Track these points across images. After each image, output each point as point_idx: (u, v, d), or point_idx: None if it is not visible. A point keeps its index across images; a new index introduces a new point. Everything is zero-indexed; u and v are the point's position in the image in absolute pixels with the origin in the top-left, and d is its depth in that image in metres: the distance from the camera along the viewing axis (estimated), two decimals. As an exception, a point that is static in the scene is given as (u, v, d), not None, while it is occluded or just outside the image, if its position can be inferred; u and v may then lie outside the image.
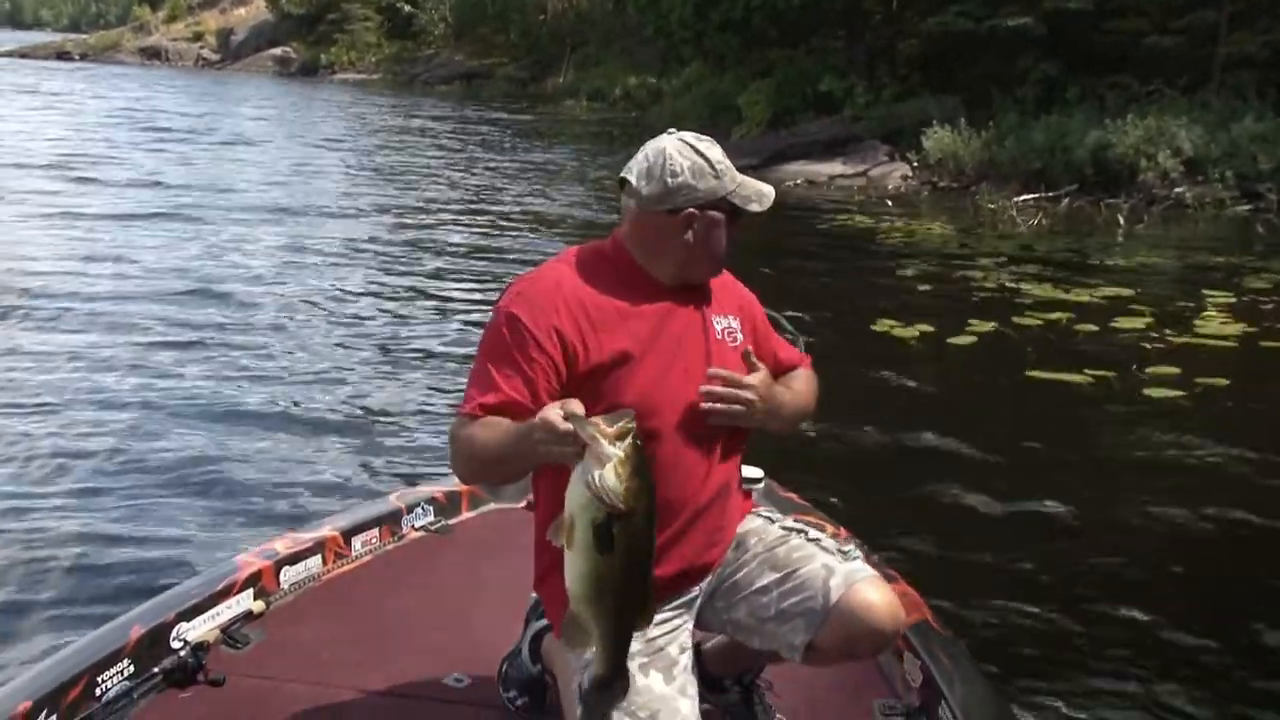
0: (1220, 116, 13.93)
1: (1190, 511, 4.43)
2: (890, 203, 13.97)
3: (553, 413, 1.69)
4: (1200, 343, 6.95)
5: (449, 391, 5.83)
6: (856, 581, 1.99)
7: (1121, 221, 11.94)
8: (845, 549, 2.09)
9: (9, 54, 54.48)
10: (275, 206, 12.34)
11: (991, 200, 12.35)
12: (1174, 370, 6.27)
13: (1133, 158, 13.48)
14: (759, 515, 2.21)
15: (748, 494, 2.27)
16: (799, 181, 15.84)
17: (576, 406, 1.69)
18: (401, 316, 7.60)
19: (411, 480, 4.20)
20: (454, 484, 3.21)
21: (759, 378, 2.00)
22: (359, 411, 5.53)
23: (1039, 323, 7.43)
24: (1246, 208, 12.61)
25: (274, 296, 7.94)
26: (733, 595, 2.08)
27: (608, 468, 1.64)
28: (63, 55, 55.62)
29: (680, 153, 2.02)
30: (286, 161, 17.14)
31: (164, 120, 22.67)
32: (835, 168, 16.53)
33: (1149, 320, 7.45)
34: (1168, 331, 7.15)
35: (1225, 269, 9.47)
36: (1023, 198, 13.52)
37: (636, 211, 2.03)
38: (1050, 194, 13.73)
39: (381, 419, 5.44)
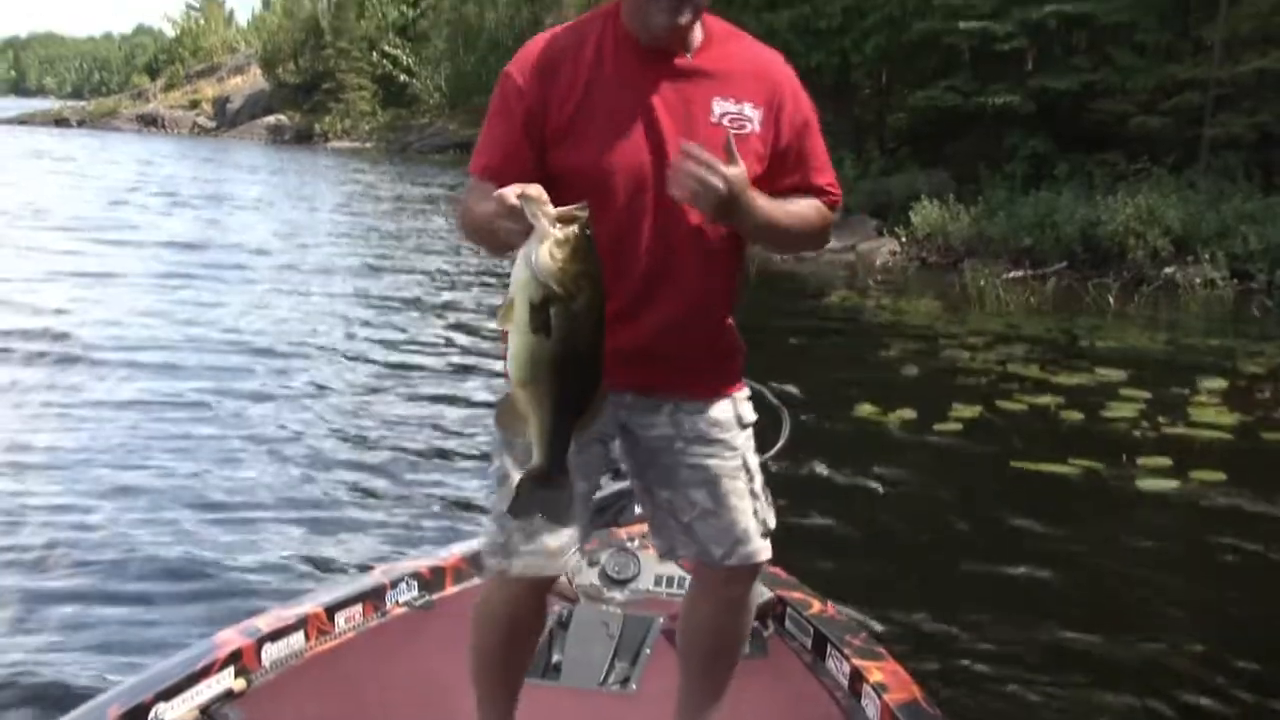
0: (1209, 196, 13.84)
1: (1185, 613, 4.22)
2: (877, 278, 13.80)
3: (508, 190, 1.73)
4: (1195, 433, 6.67)
5: (437, 464, 5.73)
6: (755, 563, 2.18)
7: (1111, 301, 11.74)
8: (769, 521, 2.19)
9: (8, 121, 55.01)
10: (281, 272, 12.60)
11: (980, 277, 12.16)
12: (1166, 462, 6.00)
13: (1122, 236, 13.34)
14: (739, 405, 2.18)
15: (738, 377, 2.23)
16: (785, 256, 15.66)
17: (534, 190, 1.71)
18: (393, 384, 7.51)
19: (395, 555, 4.16)
20: (438, 559, 3.20)
21: (734, 171, 1.89)
22: (344, 483, 5.39)
23: (1026, 408, 7.18)
24: (1238, 288, 12.42)
25: (267, 363, 7.89)
26: (669, 476, 2.14)
27: (544, 246, 1.67)
28: (60, 122, 56.16)
29: None
30: (293, 227, 17.59)
31: (172, 185, 23.34)
32: (823, 242, 16.36)
33: (1140, 407, 7.19)
34: (1160, 419, 6.88)
35: (1218, 353, 9.24)
36: (1011, 274, 13.35)
37: None
38: (1039, 271, 13.57)
39: (367, 491, 5.29)
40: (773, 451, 3.16)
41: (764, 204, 1.97)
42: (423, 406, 6.92)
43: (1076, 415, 7.02)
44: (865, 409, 6.95)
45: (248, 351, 8.25)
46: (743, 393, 2.22)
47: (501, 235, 1.79)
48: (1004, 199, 15.31)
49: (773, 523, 2.21)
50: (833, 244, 16.34)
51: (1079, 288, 12.64)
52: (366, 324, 9.76)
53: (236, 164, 33.70)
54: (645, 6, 1.94)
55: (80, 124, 55.39)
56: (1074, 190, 14.90)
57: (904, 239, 15.86)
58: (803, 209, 2.08)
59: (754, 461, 2.20)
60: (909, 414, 6.88)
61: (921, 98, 17.61)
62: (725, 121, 2.00)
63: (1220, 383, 7.91)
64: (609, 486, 3.11)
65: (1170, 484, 5.67)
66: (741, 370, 2.24)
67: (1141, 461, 6.02)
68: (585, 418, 1.83)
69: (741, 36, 2.11)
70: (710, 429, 2.13)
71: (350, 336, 9.13)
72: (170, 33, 73.25)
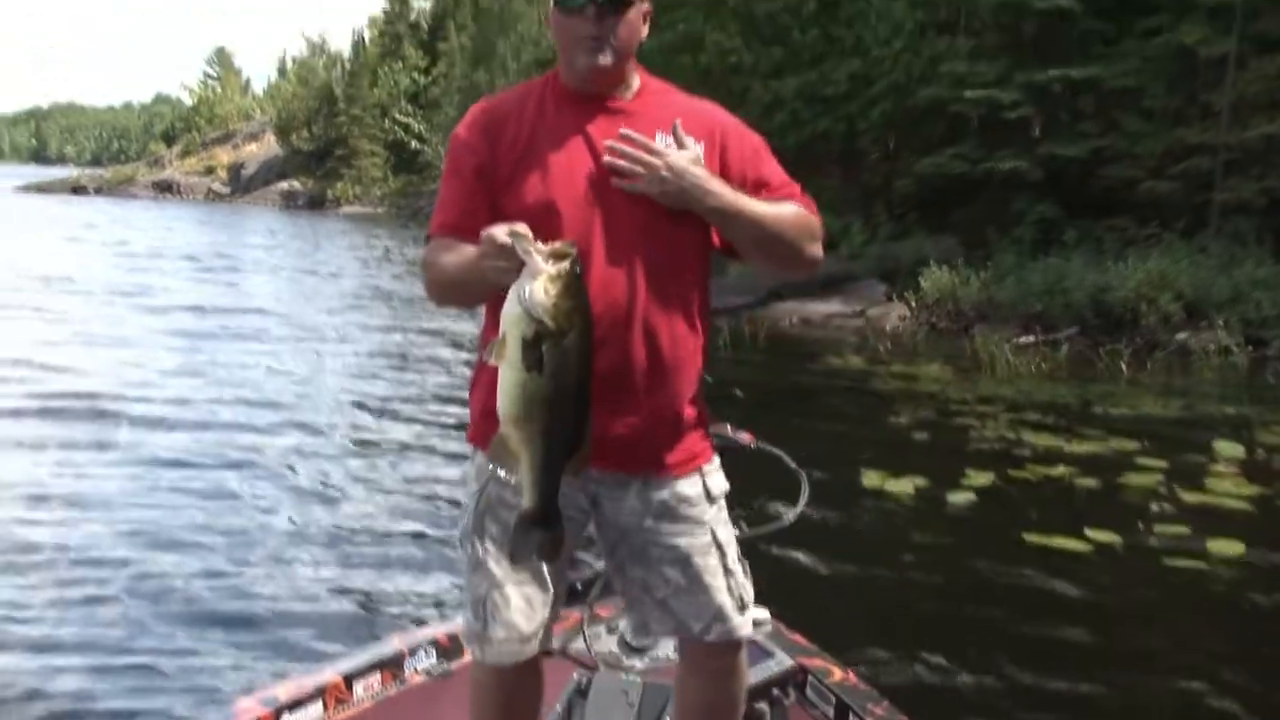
0: (1220, 262, 13.74)
1: (1209, 686, 4.07)
2: (887, 343, 13.70)
3: (497, 229, 1.79)
4: (1213, 503, 6.51)
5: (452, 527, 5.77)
6: (736, 639, 2.16)
7: (1124, 367, 11.59)
8: (745, 596, 2.17)
9: (26, 188, 55.77)
10: (305, 334, 12.97)
11: (990, 343, 12.03)
12: (1184, 532, 5.84)
13: (1133, 302, 13.24)
14: (708, 479, 2.14)
15: (710, 440, 2.19)
16: (795, 320, 15.63)
17: (521, 228, 1.76)
18: (421, 443, 7.58)
19: (414, 621, 4.22)
20: (456, 626, 3.15)
21: (683, 153, 2.00)
22: (363, 546, 5.41)
23: (1039, 477, 7.02)
24: (1252, 355, 12.27)
25: (288, 423, 8.06)
26: (641, 554, 2.12)
27: (537, 282, 1.70)
28: (78, 190, 56.95)
29: None
30: (314, 290, 18.24)
31: (193, 251, 24.43)
32: (832, 306, 16.33)
33: (1157, 476, 7.02)
34: (1177, 489, 6.72)
35: (1235, 421, 9.06)
36: (1022, 340, 13.24)
37: None
38: (1050, 336, 13.46)
39: (388, 552, 5.32)
40: (792, 516, 3.18)
41: (727, 189, 2.02)
42: (449, 467, 6.92)
43: (1091, 483, 6.86)
44: (878, 475, 6.82)
45: (277, 410, 8.47)
46: (712, 464, 2.19)
47: (490, 276, 1.81)
48: (1013, 264, 15.25)
49: (750, 596, 2.19)
50: (842, 309, 16.34)
51: (1091, 353, 12.51)
52: (393, 383, 9.99)
53: (254, 229, 34.71)
54: (570, 50, 2.04)
55: (97, 191, 56.13)
56: (1083, 256, 14.83)
57: (913, 304, 15.79)
58: (778, 205, 2.09)
59: (725, 535, 2.17)
60: (921, 481, 6.76)
61: (928, 164, 17.61)
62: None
63: (1238, 451, 7.74)
64: None
65: (1190, 556, 5.50)
66: (709, 439, 2.21)
67: (1159, 531, 5.86)
68: (577, 458, 1.82)
69: (677, 90, 2.20)
70: (679, 505, 2.11)
71: (380, 398, 9.29)
72: (188, 101, 74.49)
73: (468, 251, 1.91)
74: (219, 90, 71.35)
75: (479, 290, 1.95)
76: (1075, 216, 16.24)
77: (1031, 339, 13.41)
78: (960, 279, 15.30)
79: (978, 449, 7.90)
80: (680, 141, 2.01)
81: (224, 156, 58.37)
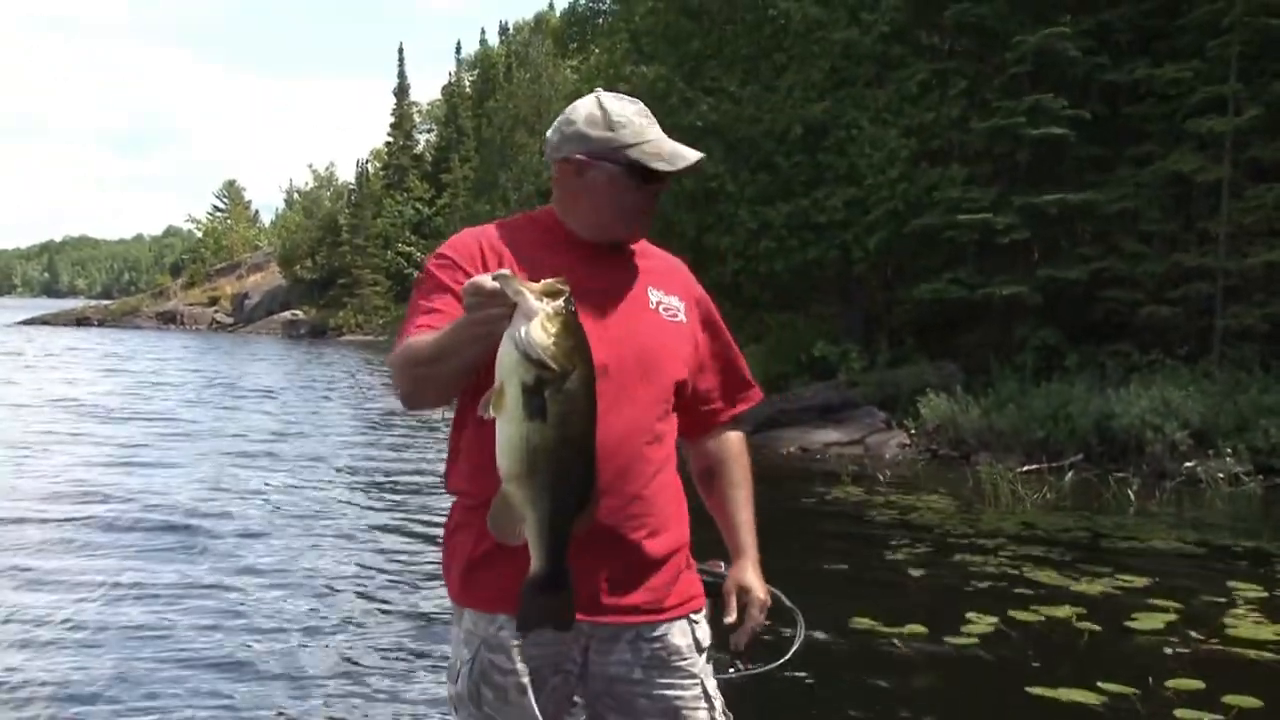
0: (1225, 388, 13.42)
1: None
2: (886, 472, 13.31)
3: (481, 275, 1.71)
4: (1232, 649, 6.03)
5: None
6: None
7: (1132, 496, 11.17)
8: None
9: (31, 321, 56.23)
10: (323, 457, 13.42)
11: (994, 474, 11.63)
12: (1199, 685, 5.36)
13: (1139, 429, 12.87)
14: (697, 629, 2.15)
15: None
16: (793, 449, 15.28)
17: (507, 270, 1.69)
18: (406, 567, 7.71)
19: None
20: None
21: (758, 601, 2.26)
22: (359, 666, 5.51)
23: (1044, 620, 6.57)
24: (1264, 484, 11.84)
25: (317, 543, 8.37)
26: (627, 706, 2.07)
27: (534, 322, 1.60)
28: (82, 321, 57.35)
29: (585, 104, 2.08)
30: (330, 415, 18.94)
31: (210, 381, 25.14)
32: (830, 435, 15.98)
33: (1170, 618, 6.57)
34: (1192, 634, 6.26)
35: (1251, 556, 8.61)
36: (1025, 468, 12.84)
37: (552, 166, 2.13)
38: (1054, 464, 13.06)
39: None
40: (788, 656, 2.92)
41: (752, 543, 2.32)
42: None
43: (1100, 627, 6.41)
44: (872, 618, 6.39)
45: (303, 533, 8.75)
46: (701, 613, 2.18)
47: (483, 330, 1.70)
48: (1014, 390, 14.94)
49: None
50: (840, 437, 15.99)
51: (1097, 482, 12.10)
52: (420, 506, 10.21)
53: (264, 358, 35.42)
54: (609, 225, 2.08)
55: (100, 323, 56.46)
56: (1086, 382, 14.54)
57: (913, 431, 15.44)
58: (744, 482, 2.33)
59: (713, 687, 2.14)
60: (919, 624, 6.31)
61: (926, 290, 17.42)
62: (660, 310, 2.11)
63: (1257, 591, 7.28)
64: None
65: (1206, 709, 5.03)
66: (698, 586, 2.21)
67: (1171, 684, 5.38)
68: (585, 514, 1.71)
69: (645, 242, 2.25)
70: (670, 656, 2.08)
71: (382, 523, 9.36)
72: (197, 233, 75.76)
73: (448, 327, 1.84)
74: (227, 222, 72.52)
75: (461, 360, 1.81)
76: (1077, 342, 16.01)
77: (1035, 467, 13.01)
78: (960, 406, 14.97)
79: (980, 587, 7.45)
80: (744, 597, 2.27)
81: (228, 287, 58.88)
